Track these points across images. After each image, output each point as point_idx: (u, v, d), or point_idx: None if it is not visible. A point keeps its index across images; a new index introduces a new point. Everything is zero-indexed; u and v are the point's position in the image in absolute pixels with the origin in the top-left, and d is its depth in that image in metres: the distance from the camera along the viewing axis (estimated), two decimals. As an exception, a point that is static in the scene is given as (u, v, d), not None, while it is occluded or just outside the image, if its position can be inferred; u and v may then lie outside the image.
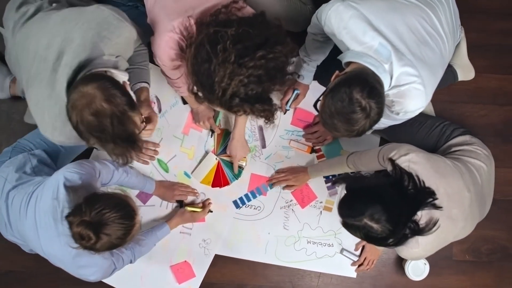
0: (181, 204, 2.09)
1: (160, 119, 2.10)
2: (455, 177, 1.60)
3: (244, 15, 1.53)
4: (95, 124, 1.33)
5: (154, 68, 1.86)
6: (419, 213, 1.38)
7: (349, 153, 1.84)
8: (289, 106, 2.06)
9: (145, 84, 1.78)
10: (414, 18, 1.56)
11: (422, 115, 1.70)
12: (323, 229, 2.10)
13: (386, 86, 1.49)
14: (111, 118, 1.33)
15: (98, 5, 1.51)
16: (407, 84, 1.50)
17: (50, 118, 1.47)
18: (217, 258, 2.08)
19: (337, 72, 1.52)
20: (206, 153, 2.12)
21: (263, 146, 2.13)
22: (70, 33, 1.44)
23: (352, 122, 1.42)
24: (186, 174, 2.11)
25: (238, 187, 2.11)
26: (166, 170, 2.10)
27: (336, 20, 1.53)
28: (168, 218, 2.03)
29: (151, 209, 2.08)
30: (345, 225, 1.42)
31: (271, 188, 2.11)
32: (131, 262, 1.80)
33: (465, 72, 2.11)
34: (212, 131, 2.11)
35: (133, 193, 2.05)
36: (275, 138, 2.13)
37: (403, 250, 1.56)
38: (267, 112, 1.46)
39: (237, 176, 2.11)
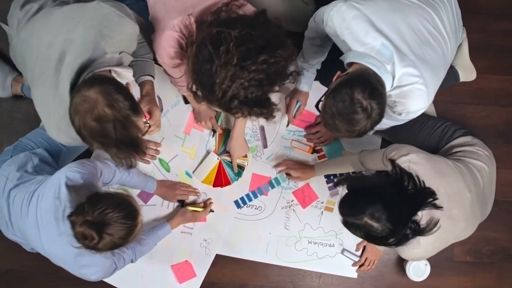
0: (182, 203, 2.09)
1: (162, 118, 2.09)
2: (456, 177, 1.60)
3: (245, 13, 1.53)
4: (97, 129, 1.32)
5: (157, 68, 1.85)
6: (419, 213, 1.38)
7: (358, 152, 1.84)
8: (294, 117, 2.06)
9: (149, 77, 1.77)
10: (416, 19, 1.56)
11: (423, 115, 1.70)
12: (324, 230, 2.10)
13: (388, 87, 1.49)
14: (113, 123, 1.32)
15: (99, 1, 1.49)
16: (409, 85, 1.50)
17: (55, 119, 1.47)
18: (218, 258, 2.09)
19: (339, 72, 1.52)
20: (208, 152, 2.12)
21: (265, 146, 2.13)
22: (72, 32, 1.43)
23: (353, 123, 1.42)
24: (187, 173, 2.11)
25: (239, 187, 2.11)
26: (168, 170, 2.10)
27: (338, 21, 1.53)
28: (169, 218, 2.03)
29: (152, 209, 2.08)
30: (346, 223, 1.43)
31: (278, 173, 2.10)
32: (132, 261, 1.80)
33: (467, 73, 2.11)
34: (214, 131, 2.11)
35: (134, 193, 2.05)
36: (277, 138, 2.13)
37: (404, 251, 1.56)
38: (265, 115, 1.47)
39: (238, 175, 2.11)
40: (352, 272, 2.11)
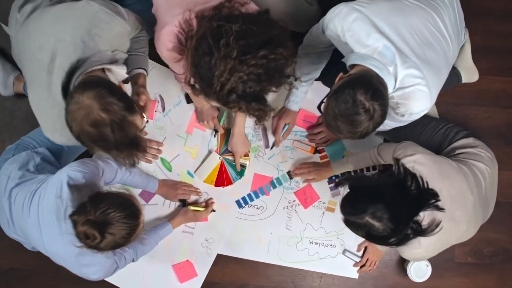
0: (184, 203, 2.09)
1: (164, 118, 2.11)
2: (459, 179, 1.60)
3: (248, 11, 1.53)
4: (95, 134, 1.32)
5: (159, 68, 1.86)
6: (421, 214, 1.38)
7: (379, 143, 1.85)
8: (282, 138, 2.08)
9: (141, 70, 1.76)
10: (418, 20, 1.55)
11: (426, 117, 1.69)
12: (325, 230, 2.10)
13: (390, 88, 1.49)
14: (111, 127, 1.32)
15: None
16: (411, 86, 1.50)
17: (51, 120, 1.47)
18: (219, 258, 2.09)
19: (341, 74, 1.52)
20: (210, 152, 2.12)
21: (267, 146, 2.13)
22: (61, 33, 1.43)
23: (355, 124, 1.42)
24: (189, 173, 2.11)
25: (241, 187, 2.11)
26: (169, 169, 2.11)
27: (340, 23, 1.53)
28: (170, 217, 2.03)
29: (153, 208, 2.08)
30: (347, 223, 1.43)
31: (291, 179, 2.11)
32: (133, 261, 1.80)
33: (469, 74, 2.11)
34: (216, 131, 2.11)
35: (136, 192, 2.05)
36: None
37: (405, 251, 1.57)
38: (261, 112, 1.47)
39: (240, 175, 2.11)
40: (353, 273, 2.11)
